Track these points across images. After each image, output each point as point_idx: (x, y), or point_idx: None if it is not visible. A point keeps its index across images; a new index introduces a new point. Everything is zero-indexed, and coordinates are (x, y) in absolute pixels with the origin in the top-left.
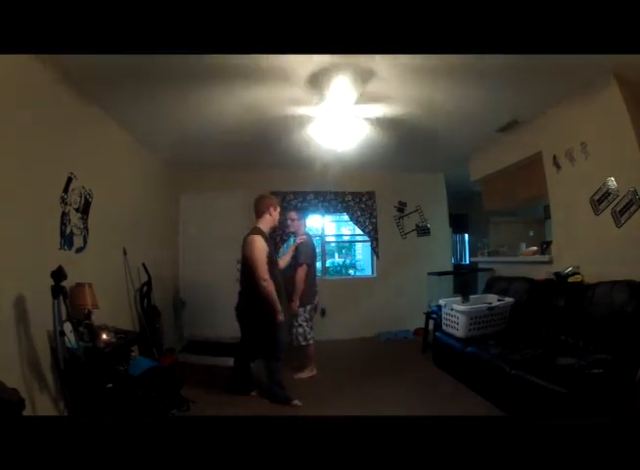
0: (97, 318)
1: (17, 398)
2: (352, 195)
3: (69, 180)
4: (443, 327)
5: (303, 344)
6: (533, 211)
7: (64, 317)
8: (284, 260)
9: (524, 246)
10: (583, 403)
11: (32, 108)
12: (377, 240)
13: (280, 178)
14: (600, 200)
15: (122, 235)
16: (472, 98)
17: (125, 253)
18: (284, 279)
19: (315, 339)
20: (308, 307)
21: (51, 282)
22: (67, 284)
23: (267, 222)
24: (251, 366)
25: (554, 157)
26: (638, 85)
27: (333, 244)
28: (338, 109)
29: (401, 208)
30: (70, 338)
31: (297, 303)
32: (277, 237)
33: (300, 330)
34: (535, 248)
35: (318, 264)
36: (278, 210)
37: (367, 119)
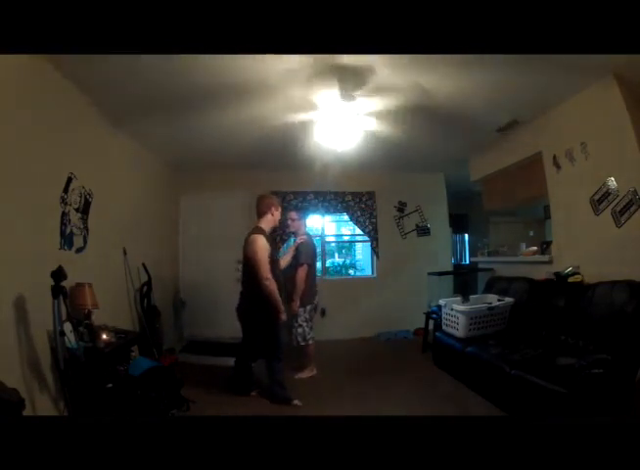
0: (97, 318)
1: (17, 398)
2: (352, 195)
3: (69, 180)
4: (443, 327)
5: (303, 344)
6: (533, 211)
7: (64, 317)
8: (284, 260)
9: (524, 246)
10: (583, 403)
11: (32, 108)
12: (377, 240)
13: (280, 178)
14: (600, 200)
15: (122, 235)
16: (472, 98)
17: (125, 253)
18: (284, 279)
19: (315, 339)
20: (308, 308)
21: (51, 282)
22: (67, 284)
23: (269, 222)
24: (252, 366)
25: (554, 157)
26: (638, 85)
27: (333, 244)
28: (338, 109)
29: (401, 208)
30: (70, 338)
31: (298, 303)
32: (277, 237)
33: (300, 330)
34: (535, 248)
35: (318, 264)
36: (279, 210)
37: (367, 119)
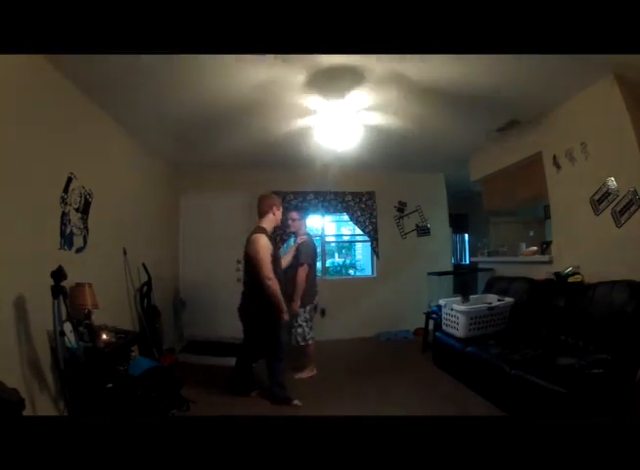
0: (97, 318)
1: (17, 398)
2: (352, 195)
3: (69, 180)
4: (443, 327)
5: (302, 344)
6: (533, 211)
7: (64, 317)
8: (285, 260)
9: (524, 246)
10: (583, 403)
11: (32, 108)
12: (377, 240)
13: (280, 178)
14: (600, 200)
15: (122, 235)
16: (472, 98)
17: (125, 253)
18: (285, 279)
19: (315, 339)
20: (308, 308)
21: (51, 282)
22: (67, 284)
23: (270, 222)
24: (253, 367)
25: (554, 157)
26: (638, 85)
27: (333, 244)
28: (338, 109)
29: (401, 208)
30: (70, 338)
31: (298, 303)
32: (277, 237)
33: (300, 330)
34: (535, 248)
35: (318, 264)
36: (281, 209)
37: (369, 121)
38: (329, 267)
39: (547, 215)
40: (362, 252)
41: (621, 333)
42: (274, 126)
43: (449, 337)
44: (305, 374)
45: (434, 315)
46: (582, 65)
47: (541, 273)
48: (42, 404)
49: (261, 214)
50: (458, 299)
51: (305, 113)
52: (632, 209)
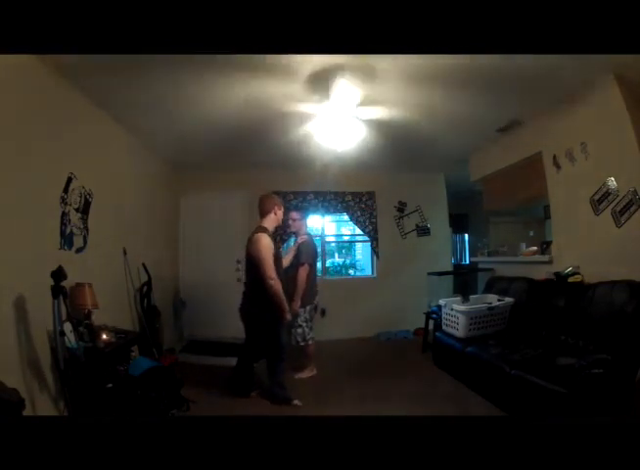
0: (97, 318)
1: (17, 398)
2: (352, 195)
3: (69, 180)
4: (443, 327)
5: (302, 344)
6: (533, 211)
7: (64, 317)
8: (285, 260)
9: (524, 246)
10: (583, 403)
11: (32, 108)
12: (377, 240)
13: (280, 178)
14: (600, 200)
15: (122, 235)
16: (472, 98)
17: (125, 253)
18: (285, 279)
19: (315, 339)
20: (308, 308)
21: (51, 282)
22: (67, 284)
23: (272, 222)
24: (254, 367)
25: (554, 157)
26: (638, 85)
27: (333, 244)
28: (338, 109)
29: (401, 208)
30: (70, 338)
31: (299, 303)
32: (277, 237)
33: (300, 330)
34: (535, 248)
35: (318, 264)
36: (282, 209)
37: (367, 119)
38: (329, 267)
39: (547, 215)
40: (362, 252)
41: (621, 333)
42: (274, 138)
43: (449, 337)
44: (305, 374)
45: (434, 315)
46: (582, 65)
47: (541, 273)
48: (42, 404)
49: (263, 214)
50: (458, 299)
51: (304, 119)
52: (632, 209)
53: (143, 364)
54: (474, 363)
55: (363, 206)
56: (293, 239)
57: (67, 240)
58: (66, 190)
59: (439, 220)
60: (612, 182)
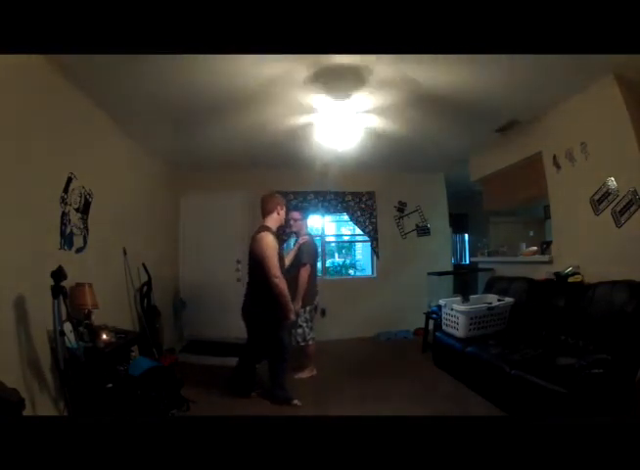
0: (97, 318)
1: (17, 398)
2: (352, 195)
3: (69, 180)
4: (443, 327)
5: (302, 344)
6: (533, 211)
7: (64, 317)
8: (287, 260)
9: (524, 246)
10: (583, 403)
11: (32, 108)
12: (377, 240)
13: (280, 178)
14: (600, 200)
15: (122, 235)
16: (472, 98)
17: (125, 253)
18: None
19: (315, 339)
20: (308, 308)
21: (51, 282)
22: (67, 284)
23: (275, 221)
24: (256, 368)
25: (554, 157)
26: (638, 85)
27: (333, 244)
28: (337, 109)
29: (401, 208)
30: (70, 338)
31: (300, 303)
32: (278, 237)
33: (300, 330)
34: (535, 248)
35: (318, 264)
36: (284, 209)
37: (367, 119)
38: (329, 267)
39: (547, 215)
40: (362, 252)
41: (621, 333)
42: (275, 121)
43: (449, 337)
44: (305, 374)
45: (434, 315)
46: (582, 65)
47: (541, 273)
48: (42, 404)
49: (266, 214)
50: (458, 299)
51: (307, 110)
52: (632, 209)
53: (143, 364)
54: (474, 363)
55: (363, 206)
56: (293, 239)
57: (67, 240)
58: (66, 190)
59: (439, 220)
60: (612, 182)
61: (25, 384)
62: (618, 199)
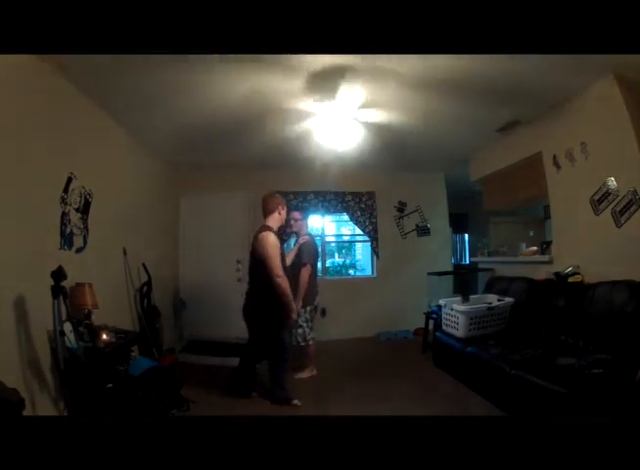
0: (97, 318)
1: (17, 398)
2: (352, 195)
3: (69, 180)
4: (443, 327)
5: (302, 344)
6: (533, 211)
7: (64, 317)
8: (287, 260)
9: (524, 246)
10: (583, 403)
11: (32, 108)
12: (377, 240)
13: (280, 178)
14: (600, 200)
15: (122, 235)
16: (472, 98)
17: (125, 253)
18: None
19: (315, 339)
20: (309, 308)
21: (51, 282)
22: (67, 284)
23: (276, 221)
24: (256, 368)
25: (554, 157)
26: (638, 85)
27: (333, 244)
28: (339, 109)
29: (401, 208)
30: (70, 338)
31: (301, 303)
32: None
33: (300, 330)
34: (535, 248)
35: (319, 264)
36: (285, 209)
37: (368, 119)
38: (329, 267)
39: (547, 215)
40: (362, 252)
41: (621, 333)
42: (273, 134)
43: (449, 337)
44: (305, 374)
45: (434, 315)
46: (582, 65)
47: (541, 273)
48: (42, 404)
49: (267, 213)
50: (458, 299)
51: (304, 116)
52: (632, 209)
53: (143, 364)
54: (474, 363)
55: (363, 206)
56: (293, 239)
57: (67, 240)
58: (66, 190)
59: (439, 220)
60: (612, 182)
61: (25, 384)
62: (618, 199)
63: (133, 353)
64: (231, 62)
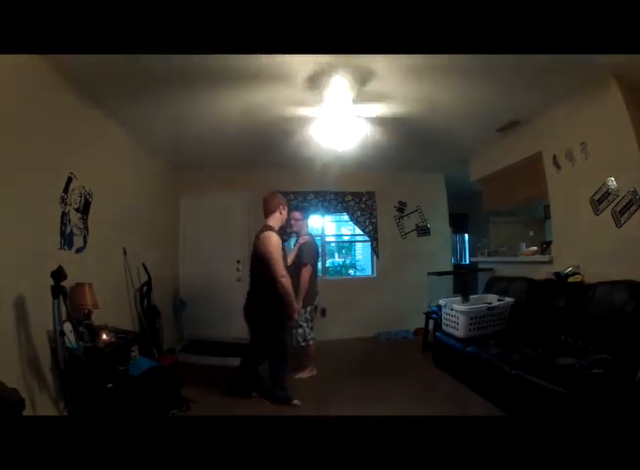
0: (97, 318)
1: (17, 398)
2: (352, 195)
3: (69, 180)
4: (443, 327)
5: (303, 344)
6: (533, 211)
7: (64, 317)
8: (288, 259)
9: (524, 246)
10: (583, 403)
11: (32, 108)
12: (377, 240)
13: (280, 178)
14: (600, 200)
15: (122, 235)
16: (472, 98)
17: (125, 253)
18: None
19: (315, 339)
20: (309, 308)
21: (51, 282)
22: (67, 284)
23: (277, 220)
24: (258, 369)
25: (554, 157)
26: (638, 85)
27: (333, 244)
28: (338, 109)
29: (401, 208)
30: (70, 338)
31: (301, 303)
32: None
33: (300, 331)
34: (535, 248)
35: (319, 264)
36: (286, 208)
37: (367, 119)
38: (329, 267)
39: (547, 215)
40: (362, 252)
41: (621, 333)
42: (273, 115)
43: (449, 337)
44: (305, 374)
45: (434, 315)
46: (582, 65)
47: (541, 273)
48: (42, 404)
49: (268, 213)
50: (458, 299)
51: (304, 118)
52: (632, 209)
53: (143, 364)
54: (474, 363)
55: (363, 206)
56: (294, 239)
57: (67, 240)
58: (66, 190)
59: (439, 220)
60: (612, 182)
61: (25, 384)
62: (618, 199)
63: (133, 353)
64: (232, 74)
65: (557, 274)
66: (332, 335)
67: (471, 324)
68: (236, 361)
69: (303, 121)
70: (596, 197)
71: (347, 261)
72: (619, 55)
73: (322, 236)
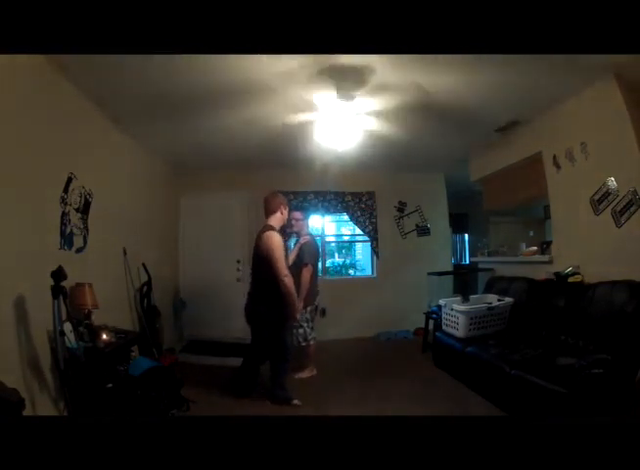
0: (97, 318)
1: (17, 398)
2: (352, 195)
3: (69, 180)
4: (443, 327)
5: (303, 344)
6: (533, 211)
7: (64, 317)
8: (289, 259)
9: (524, 246)
10: (583, 403)
11: (32, 108)
12: (377, 240)
13: (280, 178)
14: (600, 200)
15: (122, 235)
16: (472, 98)
17: (125, 253)
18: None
19: (316, 339)
20: (309, 308)
21: (51, 282)
22: (67, 284)
23: (278, 220)
24: (259, 369)
25: (554, 157)
26: (638, 85)
27: (333, 244)
28: (338, 109)
29: (401, 208)
30: (70, 338)
31: (302, 303)
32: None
33: (301, 331)
34: (535, 248)
35: (319, 264)
36: (287, 208)
37: (367, 119)
38: (329, 267)
39: (547, 215)
40: (362, 252)
41: (621, 333)
42: (276, 117)
43: (449, 337)
44: (305, 374)
45: (434, 315)
46: (582, 65)
47: (541, 273)
48: (42, 404)
49: (269, 213)
50: (458, 299)
51: (309, 107)
52: (632, 209)
53: (143, 364)
54: (474, 363)
55: (363, 206)
56: (294, 239)
57: (67, 240)
58: (66, 190)
59: (439, 220)
60: (612, 182)
61: (25, 384)
62: (618, 199)
63: (133, 353)
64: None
65: (557, 274)
66: (332, 335)
67: (471, 324)
68: (236, 361)
69: (303, 122)
70: (596, 197)
71: (347, 261)
72: (619, 55)
73: (322, 236)
